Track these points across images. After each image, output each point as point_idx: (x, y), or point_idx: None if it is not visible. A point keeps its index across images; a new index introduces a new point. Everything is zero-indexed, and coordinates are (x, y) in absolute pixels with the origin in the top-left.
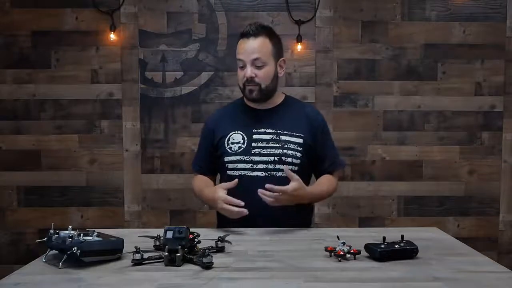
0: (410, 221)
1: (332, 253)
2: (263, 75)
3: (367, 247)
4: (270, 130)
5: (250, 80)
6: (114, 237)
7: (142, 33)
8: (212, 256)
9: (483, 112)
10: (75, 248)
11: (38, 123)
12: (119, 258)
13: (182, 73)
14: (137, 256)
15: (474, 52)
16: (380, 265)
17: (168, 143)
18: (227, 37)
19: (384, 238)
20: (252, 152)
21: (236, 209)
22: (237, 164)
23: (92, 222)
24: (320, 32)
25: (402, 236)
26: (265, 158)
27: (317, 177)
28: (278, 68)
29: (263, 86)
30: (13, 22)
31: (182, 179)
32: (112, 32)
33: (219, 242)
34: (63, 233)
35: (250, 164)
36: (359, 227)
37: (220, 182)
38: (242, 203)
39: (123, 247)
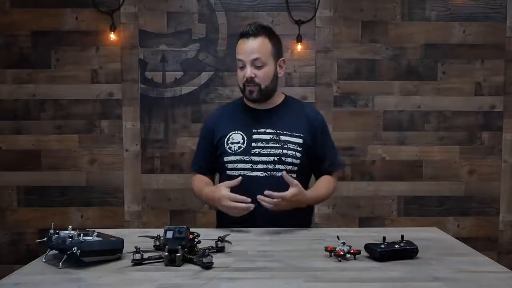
0: (410, 221)
1: (332, 253)
2: (262, 75)
3: (367, 247)
4: (270, 130)
5: (250, 80)
6: (114, 237)
7: (142, 33)
8: (212, 256)
9: (483, 112)
10: (75, 248)
11: (38, 123)
12: (119, 258)
13: (182, 73)
14: (137, 256)
15: (474, 52)
16: (380, 265)
17: (168, 143)
18: (227, 37)
19: (384, 238)
20: (252, 152)
21: (243, 205)
22: (236, 164)
23: (92, 222)
24: (320, 32)
25: (402, 236)
26: (264, 158)
27: (316, 177)
28: (278, 68)
29: (263, 86)
30: (13, 22)
31: (182, 179)
32: (112, 32)
33: (219, 242)
34: (63, 233)
35: (250, 164)
36: (359, 227)
37: (220, 182)
38: (248, 199)
39: (123, 247)
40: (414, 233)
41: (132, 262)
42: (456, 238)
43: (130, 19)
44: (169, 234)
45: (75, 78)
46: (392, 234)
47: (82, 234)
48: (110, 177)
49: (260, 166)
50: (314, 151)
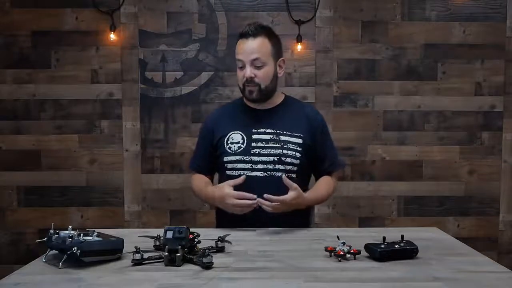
0: (410, 221)
1: (332, 253)
2: (262, 75)
3: (367, 247)
4: (269, 130)
5: (250, 81)
6: (114, 237)
7: (142, 33)
8: (212, 256)
9: (483, 112)
10: (75, 248)
11: (38, 123)
12: (119, 258)
13: (182, 73)
14: (137, 256)
15: (474, 52)
16: (380, 265)
17: (168, 143)
18: (227, 37)
19: (384, 238)
20: (252, 152)
21: (246, 202)
22: (236, 164)
23: (92, 222)
24: (320, 32)
25: (402, 236)
26: (264, 158)
27: (316, 177)
28: (278, 68)
29: (262, 86)
30: (13, 22)
31: (182, 179)
32: (112, 32)
33: (219, 242)
34: (63, 233)
35: (250, 164)
36: (359, 227)
37: (219, 182)
38: (254, 196)
39: (123, 247)
40: (414, 233)
41: (132, 262)
42: (456, 238)
43: (130, 19)
44: (169, 234)
45: (75, 78)
46: (392, 234)
47: (82, 234)
48: (110, 177)
49: (260, 166)
50: (314, 151)
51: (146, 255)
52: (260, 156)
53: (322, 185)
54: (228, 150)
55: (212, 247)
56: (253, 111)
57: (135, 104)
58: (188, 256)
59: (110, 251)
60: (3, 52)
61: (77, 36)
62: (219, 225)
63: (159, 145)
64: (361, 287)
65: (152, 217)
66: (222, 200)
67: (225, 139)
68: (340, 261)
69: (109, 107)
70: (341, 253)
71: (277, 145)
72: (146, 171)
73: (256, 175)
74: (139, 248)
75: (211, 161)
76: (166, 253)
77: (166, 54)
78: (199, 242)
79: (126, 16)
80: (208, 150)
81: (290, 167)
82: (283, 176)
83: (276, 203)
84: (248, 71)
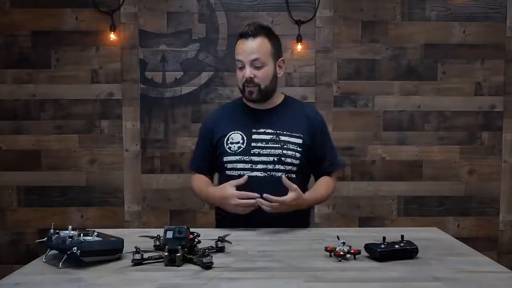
0: (410, 221)
1: (332, 253)
2: (262, 76)
3: (367, 247)
4: (269, 130)
5: (250, 81)
6: (114, 237)
7: (142, 33)
8: (212, 256)
9: (483, 112)
10: (75, 248)
11: (38, 123)
12: (119, 258)
13: (182, 73)
14: (137, 256)
15: (474, 52)
16: (380, 265)
17: (168, 143)
18: (227, 37)
19: (384, 238)
20: (252, 152)
21: (249, 201)
22: (236, 164)
23: (92, 222)
24: (320, 32)
25: (402, 236)
26: (264, 158)
27: (316, 177)
28: (277, 68)
29: (262, 86)
30: (13, 22)
31: (182, 179)
32: (112, 32)
33: (219, 242)
34: (63, 233)
35: (250, 164)
36: (359, 227)
37: (219, 182)
38: (257, 195)
39: (123, 247)
40: (414, 233)
41: (132, 262)
42: (456, 238)
43: (130, 19)
44: (169, 234)
45: (75, 78)
46: (392, 234)
47: (82, 234)
48: (110, 177)
49: (259, 166)
50: (314, 151)
51: (146, 255)
52: (260, 156)
53: (322, 186)
54: (228, 150)
55: (212, 247)
56: (253, 111)
57: (135, 104)
58: (188, 256)
59: (110, 251)
60: (3, 52)
61: (77, 36)
62: (219, 225)
63: (159, 145)
64: (361, 287)
65: (152, 217)
66: (224, 201)
67: (225, 139)
68: (340, 261)
69: (109, 107)
70: (341, 253)
71: (277, 145)
72: (146, 171)
73: (256, 175)
74: (139, 248)
75: (211, 161)
76: (166, 253)
77: (166, 54)
78: (199, 242)
79: (126, 16)
80: (208, 150)
81: (290, 167)
82: (283, 176)
83: (275, 203)
84: (248, 72)
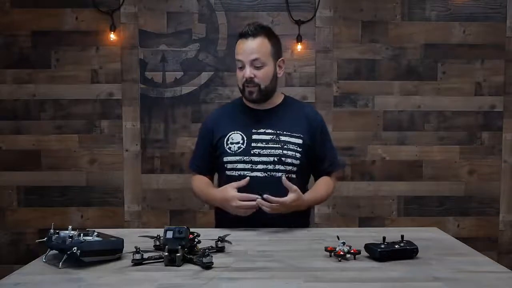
0: (410, 221)
1: (332, 253)
2: (262, 76)
3: (367, 247)
4: (269, 131)
5: (250, 81)
6: (114, 237)
7: (142, 33)
8: (212, 256)
9: (483, 112)
10: (75, 248)
11: (38, 123)
12: (119, 258)
13: (182, 73)
14: (137, 256)
15: (474, 52)
16: (380, 265)
17: (168, 143)
18: (227, 37)
19: (384, 238)
20: (252, 152)
21: (253, 203)
22: (236, 164)
23: (92, 222)
24: (320, 32)
25: (402, 236)
26: (264, 159)
27: (315, 177)
28: (277, 68)
29: (262, 86)
30: (13, 22)
31: (182, 179)
32: (112, 32)
33: (219, 242)
34: (63, 233)
35: (250, 165)
36: (359, 227)
37: (219, 182)
38: (258, 197)
39: (123, 247)
40: (414, 233)
41: (132, 262)
42: (456, 238)
43: (130, 19)
44: (169, 234)
45: (75, 78)
46: (392, 234)
47: (82, 234)
48: (110, 177)
49: (260, 166)
50: (314, 151)
51: (146, 255)
52: (260, 157)
53: (321, 186)
54: (228, 151)
55: (212, 247)
56: (253, 111)
57: (135, 104)
58: (188, 256)
59: (110, 251)
60: (3, 52)
61: (77, 36)
62: (219, 225)
63: (159, 145)
64: (361, 287)
65: (152, 217)
66: (226, 203)
67: (225, 139)
68: (340, 261)
69: (109, 107)
70: (341, 253)
71: (277, 145)
72: (146, 171)
73: (256, 176)
74: (139, 248)
75: (210, 161)
76: (166, 253)
77: (166, 54)
78: (199, 242)
79: (126, 16)
80: (208, 150)
81: (290, 167)
82: (283, 177)
83: (275, 204)
84: (248, 71)
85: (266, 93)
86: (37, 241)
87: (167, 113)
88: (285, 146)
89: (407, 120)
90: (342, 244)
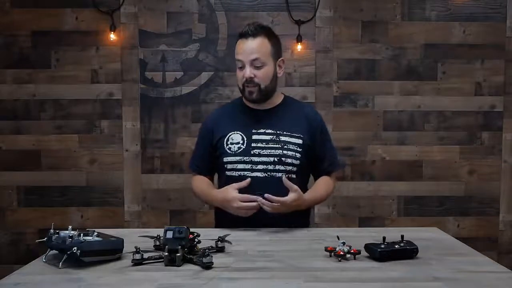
0: (410, 221)
1: (332, 253)
2: (262, 75)
3: (367, 247)
4: (269, 131)
5: (250, 81)
6: (114, 237)
7: (142, 33)
8: (212, 256)
9: (483, 112)
10: (75, 248)
11: (38, 123)
12: (119, 258)
13: (182, 73)
14: (137, 256)
15: (474, 52)
16: (380, 265)
17: (168, 143)
18: (227, 37)
19: (384, 238)
20: (252, 152)
21: (254, 203)
22: (236, 164)
23: (92, 222)
24: (320, 32)
25: (402, 236)
26: (264, 159)
27: (315, 177)
28: (277, 68)
29: (262, 86)
30: (13, 22)
31: (182, 179)
32: (112, 32)
33: (219, 242)
34: (63, 233)
35: (250, 165)
36: (359, 227)
37: (219, 183)
38: (259, 198)
39: (123, 247)
40: (414, 233)
41: (132, 262)
42: (456, 238)
43: (130, 19)
44: (169, 234)
45: (75, 78)
46: (392, 234)
47: (82, 234)
48: (110, 177)
49: (260, 166)
50: (313, 151)
51: (146, 255)
52: (260, 157)
53: (321, 185)
54: (228, 151)
55: (212, 247)
56: (253, 111)
57: (135, 104)
58: (188, 256)
59: (110, 251)
60: (3, 52)
61: (77, 36)
62: (219, 225)
63: (159, 145)
64: (361, 287)
65: (152, 217)
66: (226, 203)
67: (225, 140)
68: (340, 261)
69: (109, 107)
70: (341, 253)
71: (277, 145)
72: (146, 171)
73: (257, 176)
74: (139, 248)
75: (210, 161)
76: (166, 253)
77: (166, 54)
78: (199, 242)
79: (126, 16)
80: (208, 151)
81: (290, 167)
82: (283, 177)
83: (276, 203)
84: (248, 71)
85: (266, 93)
86: (37, 241)
87: (167, 113)
88: (285, 146)
89: (407, 120)
90: (342, 244)
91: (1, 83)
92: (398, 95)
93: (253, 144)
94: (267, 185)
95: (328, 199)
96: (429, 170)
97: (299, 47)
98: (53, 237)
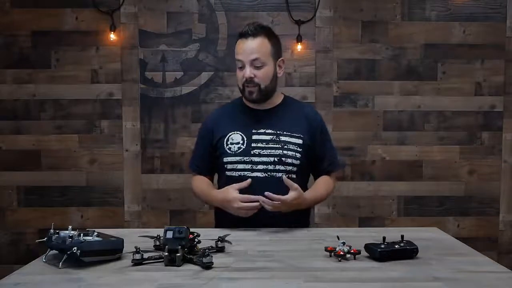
0: (410, 221)
1: (332, 253)
2: (262, 75)
3: (367, 247)
4: (269, 131)
5: (250, 81)
6: (114, 237)
7: (142, 33)
8: (212, 256)
9: (483, 112)
10: (75, 248)
11: (38, 123)
12: (119, 258)
13: (182, 73)
14: (137, 256)
15: (474, 52)
16: (380, 265)
17: (168, 143)
18: (227, 37)
19: (384, 238)
20: (252, 152)
21: (255, 204)
22: (236, 164)
23: (92, 222)
24: (320, 32)
25: (402, 236)
26: (265, 159)
27: (315, 177)
28: (277, 68)
29: (262, 86)
30: (13, 22)
31: (182, 179)
32: (112, 32)
33: (219, 242)
34: (63, 233)
35: (250, 165)
36: (359, 227)
37: (219, 183)
38: (261, 197)
39: (123, 247)
40: (414, 233)
41: (132, 262)
42: (456, 238)
43: (130, 19)
44: (169, 234)
45: (75, 78)
46: (392, 234)
47: (82, 234)
48: (110, 177)
49: (260, 166)
50: (313, 151)
51: (146, 255)
52: (260, 157)
53: (321, 185)
54: (228, 151)
55: (212, 247)
56: (253, 111)
57: (135, 104)
58: (188, 256)
59: (110, 251)
60: (3, 52)
61: (77, 36)
62: (219, 225)
63: (159, 145)
64: (361, 287)
65: (152, 217)
66: (227, 204)
67: (225, 140)
68: (340, 261)
69: (109, 107)
70: (341, 253)
71: (277, 145)
72: (146, 171)
73: (257, 176)
74: (139, 248)
75: (210, 162)
76: (166, 253)
77: (166, 54)
78: (199, 242)
79: (126, 16)
80: (208, 151)
81: (290, 167)
82: (284, 176)
83: (277, 202)
84: (248, 71)
85: (266, 93)
86: (37, 241)
87: (167, 113)
88: (285, 146)
89: (407, 120)
90: (342, 244)
91: (1, 83)
92: (398, 95)
93: (253, 144)
94: (267, 185)
95: (328, 199)
96: (429, 170)
97: (299, 47)
98: (53, 237)
